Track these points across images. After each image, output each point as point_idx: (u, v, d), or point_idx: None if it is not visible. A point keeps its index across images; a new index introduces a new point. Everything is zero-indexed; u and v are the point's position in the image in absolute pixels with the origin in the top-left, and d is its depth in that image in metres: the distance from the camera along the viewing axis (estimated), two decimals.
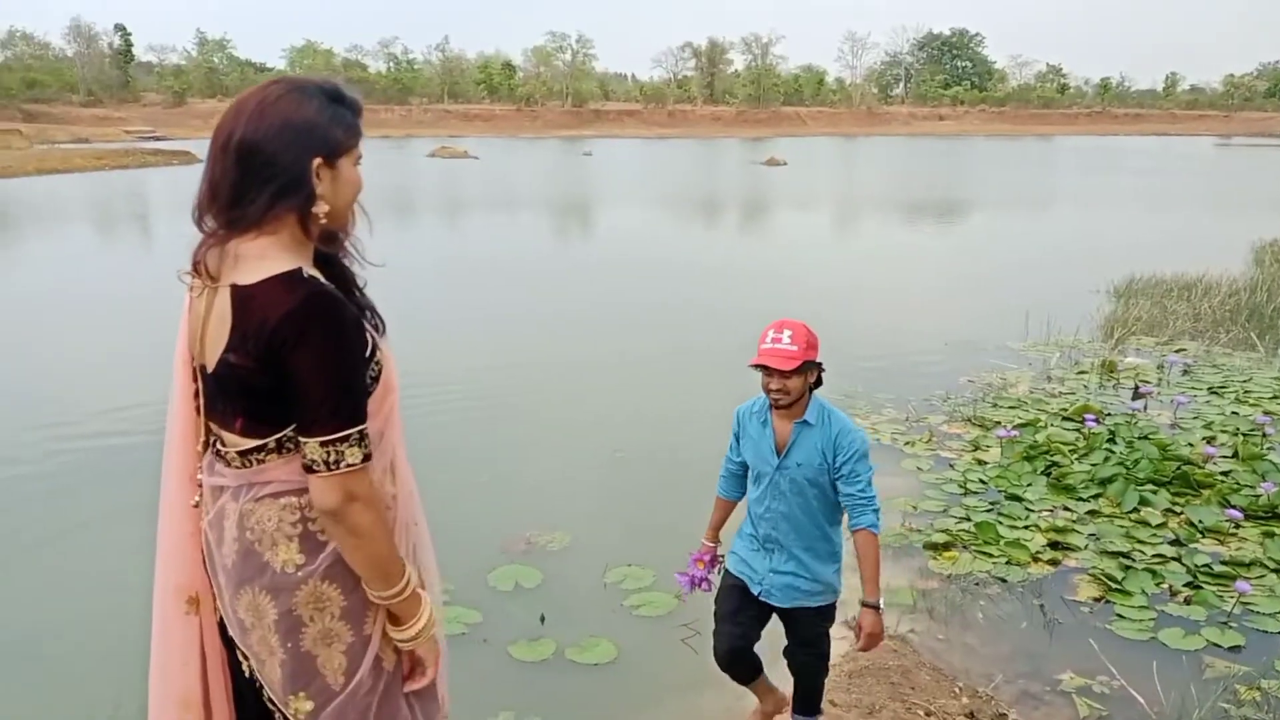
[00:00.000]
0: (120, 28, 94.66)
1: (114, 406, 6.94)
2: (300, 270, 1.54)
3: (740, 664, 3.00)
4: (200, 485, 1.68)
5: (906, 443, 6.19)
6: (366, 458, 1.56)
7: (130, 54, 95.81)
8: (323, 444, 1.52)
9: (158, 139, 56.73)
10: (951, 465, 5.77)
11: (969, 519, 4.96)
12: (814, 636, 2.95)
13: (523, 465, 5.97)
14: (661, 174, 38.00)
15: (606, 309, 11.10)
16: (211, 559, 1.66)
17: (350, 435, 1.54)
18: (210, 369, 1.58)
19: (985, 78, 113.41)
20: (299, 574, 1.60)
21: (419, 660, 1.73)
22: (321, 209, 1.58)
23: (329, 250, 1.68)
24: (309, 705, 1.63)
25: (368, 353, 1.61)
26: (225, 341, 1.53)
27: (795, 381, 2.70)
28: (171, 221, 19.33)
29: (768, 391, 2.76)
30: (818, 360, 2.77)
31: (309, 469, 1.54)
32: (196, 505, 1.67)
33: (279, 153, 1.53)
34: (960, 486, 5.43)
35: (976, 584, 4.36)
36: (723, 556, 3.00)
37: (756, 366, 2.74)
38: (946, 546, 4.70)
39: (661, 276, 13.23)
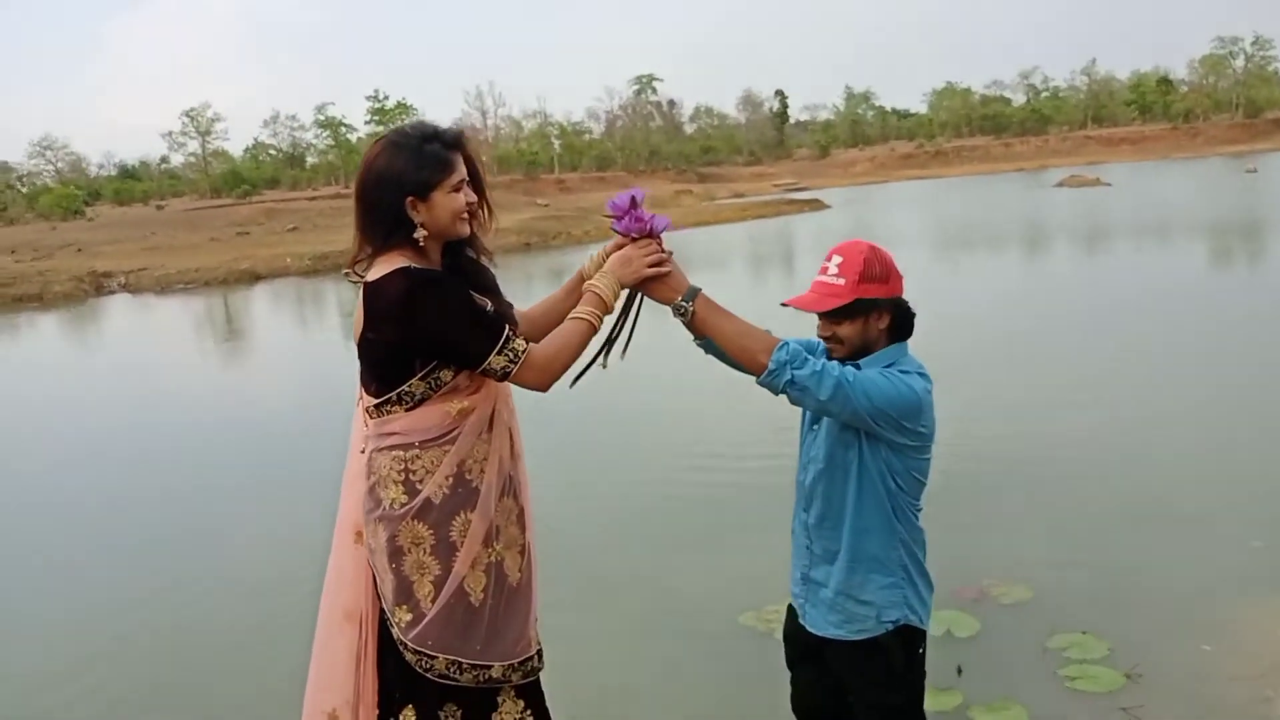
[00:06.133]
0: (779, 93, 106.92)
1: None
2: (409, 266, 1.96)
3: None
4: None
5: None
6: (527, 339, 2.03)
7: (786, 115, 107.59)
8: (498, 353, 1.96)
9: (800, 189, 62.67)
10: None
11: None
12: (870, 701, 2.24)
13: (1010, 511, 5.54)
14: None
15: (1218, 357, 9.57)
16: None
17: (507, 335, 1.98)
18: (356, 345, 2.04)
19: None
20: (402, 510, 2.02)
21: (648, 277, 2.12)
22: (421, 234, 1.99)
23: (456, 255, 2.11)
24: (408, 616, 2.05)
25: (480, 302, 2.01)
26: (363, 323, 1.98)
27: (848, 328, 2.10)
28: (758, 264, 21.24)
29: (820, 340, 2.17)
30: (886, 298, 2.10)
31: (505, 376, 1.99)
32: (363, 452, 2.12)
33: (379, 200, 1.98)
34: None
35: None
36: (657, 227, 2.13)
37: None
38: None
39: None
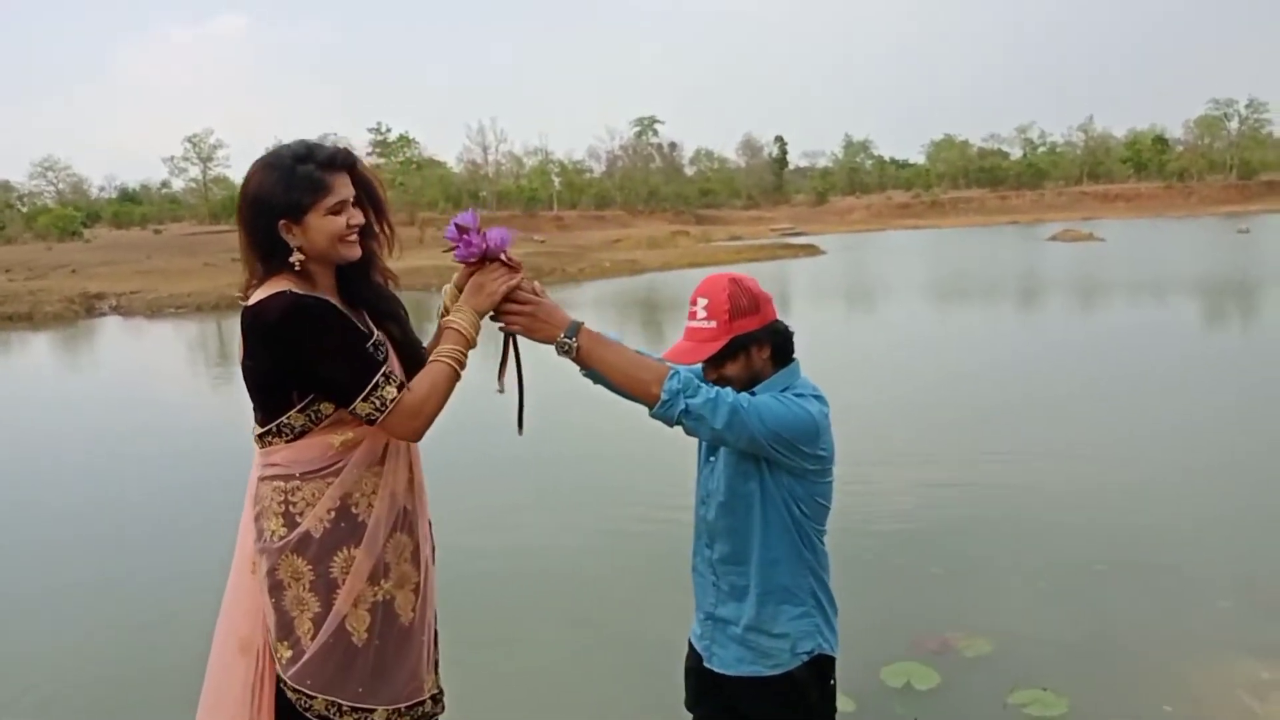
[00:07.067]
0: (779, 139, 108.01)
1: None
2: (288, 290, 1.88)
3: None
4: None
5: None
6: (401, 386, 1.91)
7: (785, 161, 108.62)
8: (364, 399, 1.87)
9: (796, 235, 63.07)
10: None
11: None
12: None
13: (983, 562, 5.48)
14: None
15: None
16: None
17: (377, 380, 1.88)
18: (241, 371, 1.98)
19: None
20: (280, 543, 1.94)
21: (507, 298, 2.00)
22: (297, 258, 1.91)
23: (355, 281, 2.03)
24: (289, 653, 1.96)
25: (363, 337, 1.92)
26: (242, 349, 1.92)
27: (732, 368, 2.05)
28: None
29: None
30: (760, 328, 2.05)
31: (371, 422, 1.89)
32: None
33: (252, 225, 1.91)
34: None
35: None
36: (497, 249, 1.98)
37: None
38: None
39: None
